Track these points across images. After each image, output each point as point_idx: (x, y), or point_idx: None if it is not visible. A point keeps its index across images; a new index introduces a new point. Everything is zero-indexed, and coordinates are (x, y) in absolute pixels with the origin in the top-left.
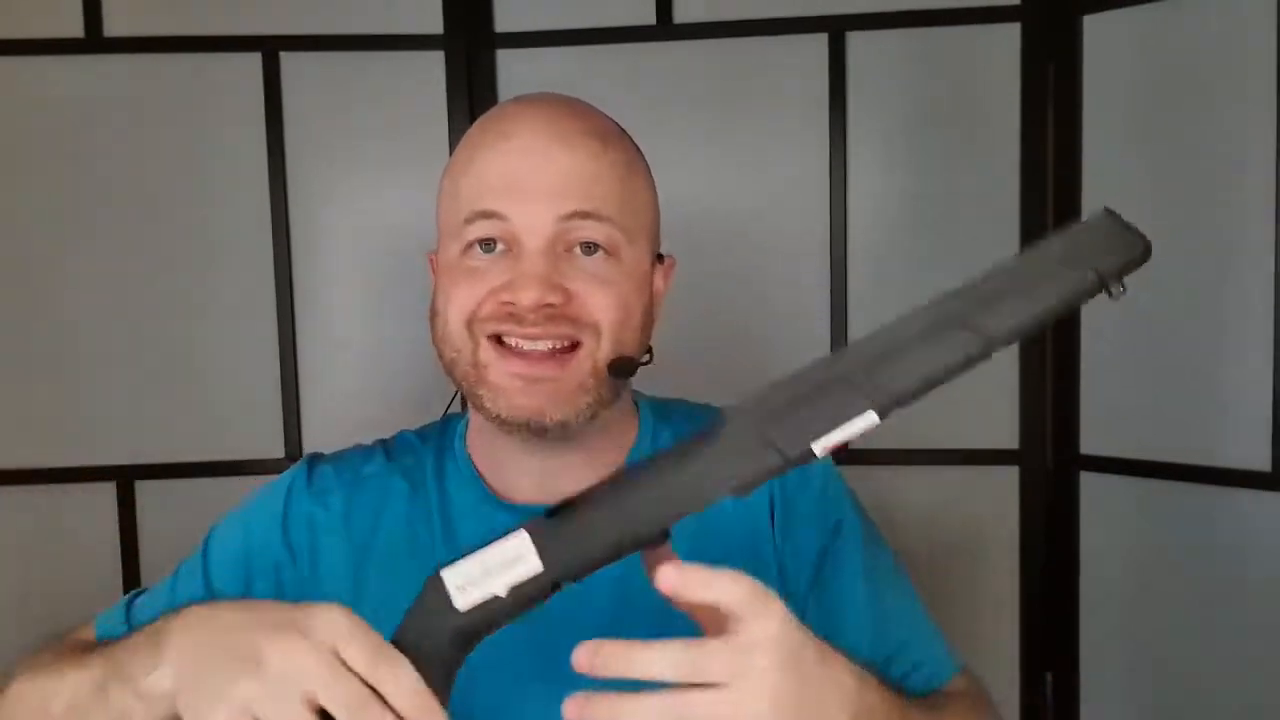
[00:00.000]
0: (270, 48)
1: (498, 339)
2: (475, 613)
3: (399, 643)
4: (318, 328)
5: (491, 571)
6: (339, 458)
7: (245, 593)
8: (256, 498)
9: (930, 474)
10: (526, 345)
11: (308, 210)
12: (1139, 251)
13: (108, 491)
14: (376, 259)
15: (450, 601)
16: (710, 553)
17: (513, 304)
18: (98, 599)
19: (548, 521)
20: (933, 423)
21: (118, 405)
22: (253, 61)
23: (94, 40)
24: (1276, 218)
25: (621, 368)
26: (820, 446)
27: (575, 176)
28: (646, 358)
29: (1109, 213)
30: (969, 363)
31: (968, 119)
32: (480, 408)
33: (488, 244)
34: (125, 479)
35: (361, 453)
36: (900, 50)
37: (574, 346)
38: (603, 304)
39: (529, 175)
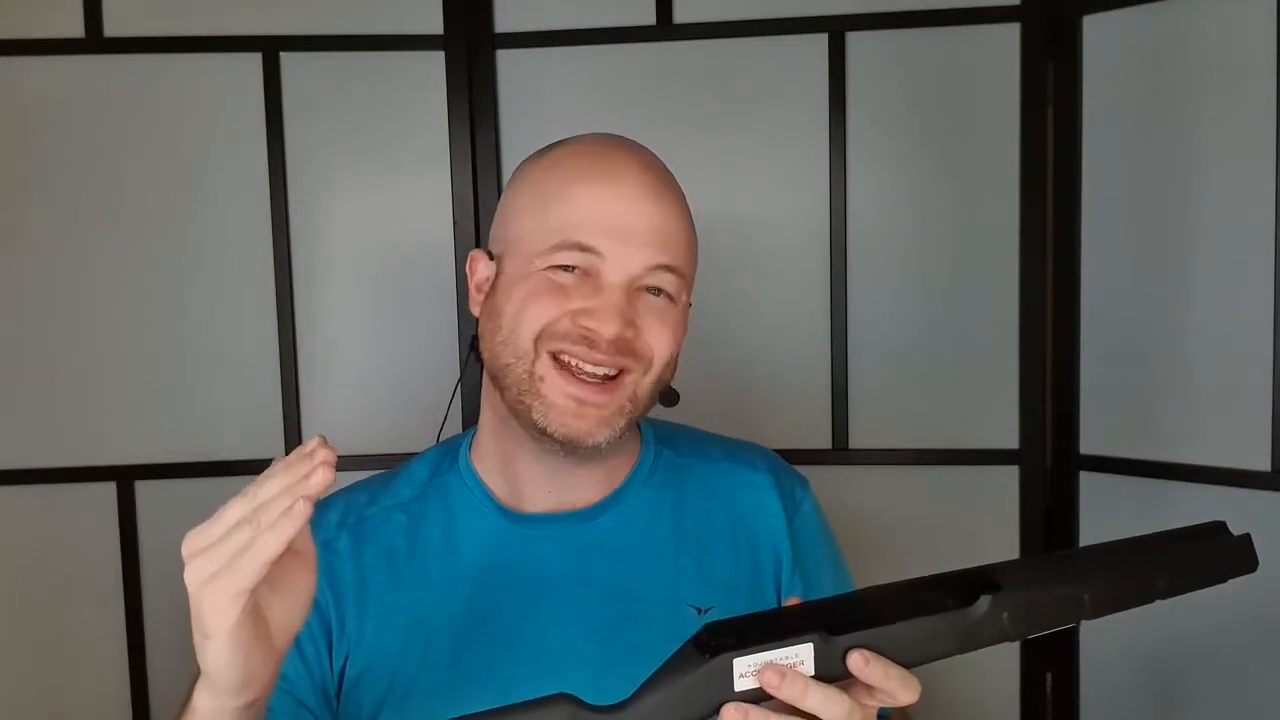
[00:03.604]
0: (270, 48)
1: (555, 355)
2: (743, 695)
3: (653, 689)
4: (318, 328)
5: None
6: (338, 505)
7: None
8: None
9: (930, 474)
10: (588, 367)
11: (308, 210)
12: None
13: (108, 491)
14: (377, 259)
15: (732, 685)
16: (710, 571)
17: (592, 331)
18: (98, 599)
19: (828, 639)
20: (933, 423)
21: (118, 405)
22: (253, 61)
23: (94, 40)
24: (1276, 217)
25: (668, 396)
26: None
27: (662, 229)
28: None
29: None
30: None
31: (968, 119)
32: (523, 415)
33: (569, 267)
34: (125, 479)
35: (363, 493)
36: (900, 50)
37: (620, 373)
38: (662, 341)
39: (631, 222)
